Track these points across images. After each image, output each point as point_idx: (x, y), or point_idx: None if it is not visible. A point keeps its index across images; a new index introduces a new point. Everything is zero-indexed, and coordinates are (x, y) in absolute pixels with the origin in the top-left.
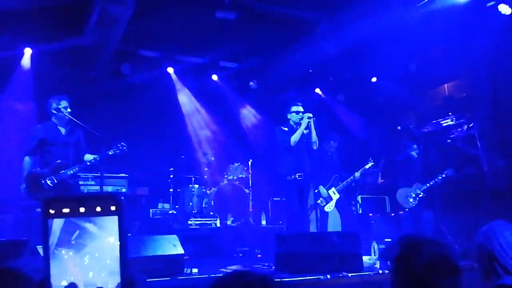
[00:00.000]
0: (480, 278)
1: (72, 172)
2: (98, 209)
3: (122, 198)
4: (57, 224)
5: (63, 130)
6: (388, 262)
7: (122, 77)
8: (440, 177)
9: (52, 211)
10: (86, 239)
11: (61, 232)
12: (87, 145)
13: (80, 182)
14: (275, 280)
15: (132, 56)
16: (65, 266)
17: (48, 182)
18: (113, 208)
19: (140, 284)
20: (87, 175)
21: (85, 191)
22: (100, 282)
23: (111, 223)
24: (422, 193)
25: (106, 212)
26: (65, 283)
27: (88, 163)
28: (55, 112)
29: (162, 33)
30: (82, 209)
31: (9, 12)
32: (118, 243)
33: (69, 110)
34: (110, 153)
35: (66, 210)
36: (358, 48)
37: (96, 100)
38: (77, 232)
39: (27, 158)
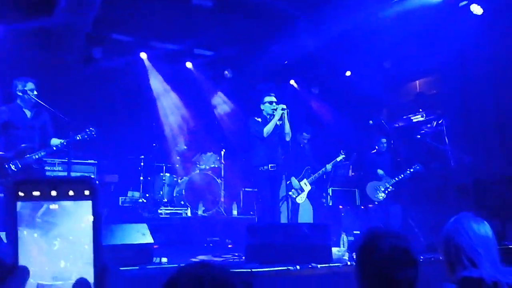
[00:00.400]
0: (445, 270)
1: (37, 156)
2: (71, 193)
3: (97, 182)
4: (24, 208)
5: (28, 113)
6: (353, 253)
7: (93, 61)
8: (408, 172)
9: (21, 194)
10: (57, 217)
11: (22, 208)
12: (54, 129)
13: (46, 168)
14: (245, 270)
15: (104, 39)
16: (27, 252)
17: (12, 166)
18: (87, 192)
19: (113, 273)
20: (54, 160)
21: None
22: (76, 273)
23: (84, 207)
24: (391, 186)
25: (79, 197)
26: None
27: (55, 148)
28: (20, 94)
29: (136, 17)
30: (53, 193)
31: None
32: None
33: (35, 92)
34: (78, 138)
35: (36, 193)
36: (334, 43)
37: (65, 84)
38: (44, 206)
39: None
